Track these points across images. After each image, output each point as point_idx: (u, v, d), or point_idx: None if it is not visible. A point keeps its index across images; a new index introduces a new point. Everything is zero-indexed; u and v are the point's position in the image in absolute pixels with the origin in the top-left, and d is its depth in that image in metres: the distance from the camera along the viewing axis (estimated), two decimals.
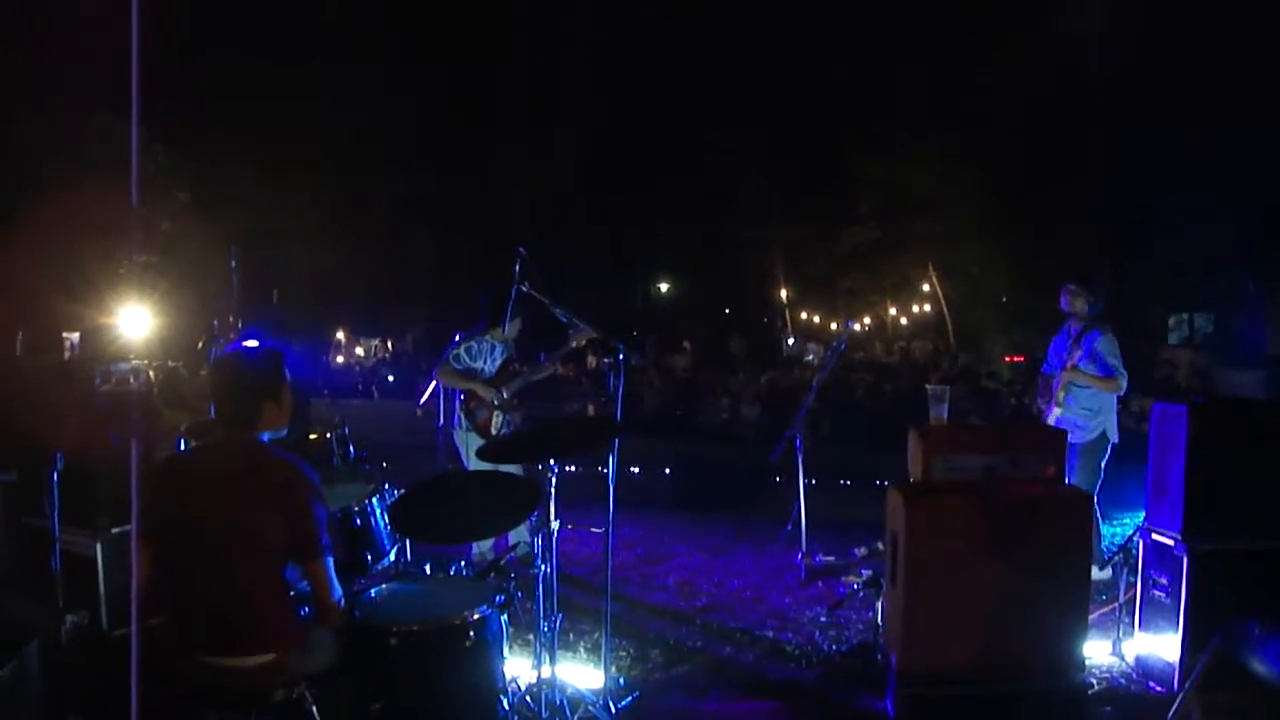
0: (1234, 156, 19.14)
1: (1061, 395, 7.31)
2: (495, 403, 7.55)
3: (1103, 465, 7.29)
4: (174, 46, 18.12)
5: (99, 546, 5.63)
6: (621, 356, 5.63)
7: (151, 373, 18.55)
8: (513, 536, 7.03)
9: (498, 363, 7.68)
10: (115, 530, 5.65)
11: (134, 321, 19.78)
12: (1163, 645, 5.30)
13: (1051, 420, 7.38)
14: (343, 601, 3.66)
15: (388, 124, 26.98)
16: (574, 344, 7.72)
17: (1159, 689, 5.26)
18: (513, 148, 29.70)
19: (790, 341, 35.89)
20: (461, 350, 7.61)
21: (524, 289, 6.25)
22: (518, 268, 6.25)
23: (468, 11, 28.94)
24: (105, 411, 6.97)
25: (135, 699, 2.43)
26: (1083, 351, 7.21)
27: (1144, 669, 5.45)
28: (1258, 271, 22.58)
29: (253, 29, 23.34)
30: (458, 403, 7.65)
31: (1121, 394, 7.25)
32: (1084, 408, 7.24)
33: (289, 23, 24.01)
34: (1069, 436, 7.16)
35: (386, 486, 4.92)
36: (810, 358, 29.20)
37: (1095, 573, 6.80)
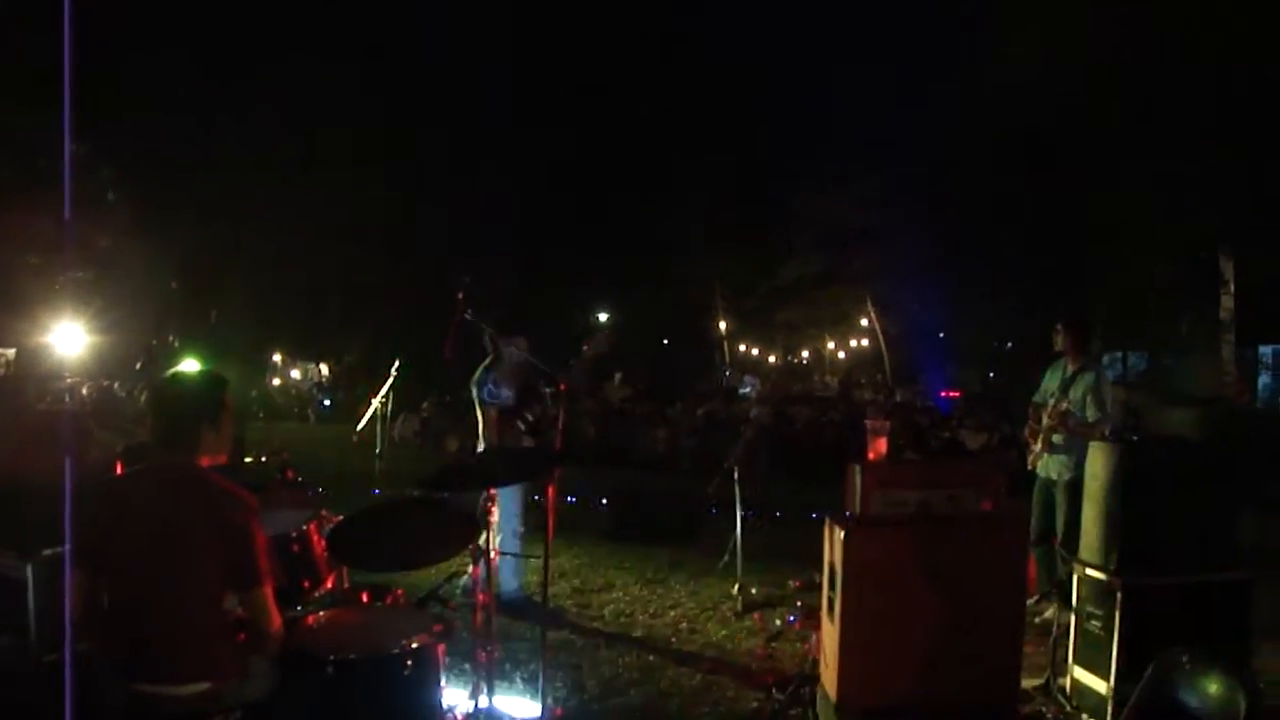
0: (1174, 200, 19.56)
1: (1048, 437, 7.39)
2: (523, 428, 7.57)
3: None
4: (117, 61, 17.90)
5: (30, 568, 5.52)
6: (562, 387, 5.64)
7: (85, 391, 18.24)
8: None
9: (514, 387, 7.71)
10: (47, 552, 5.52)
11: (69, 338, 19.49)
12: (1096, 678, 5.36)
13: (1037, 457, 7.51)
14: (281, 629, 3.63)
15: (330, 146, 26.84)
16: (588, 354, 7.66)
17: None
18: (451, 175, 29.65)
19: (727, 373, 36.04)
20: (489, 385, 7.60)
21: (467, 318, 6.22)
22: (460, 296, 6.22)
23: (415, 37, 28.96)
24: (37, 430, 6.86)
25: None
26: (1075, 397, 7.30)
27: (1078, 701, 5.51)
28: (1192, 312, 23.03)
29: (196, 51, 23.18)
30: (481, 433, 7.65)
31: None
32: (1068, 450, 7.29)
33: (233, 41, 23.86)
34: (1055, 474, 7.27)
35: (324, 512, 4.89)
36: (747, 390, 29.35)
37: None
